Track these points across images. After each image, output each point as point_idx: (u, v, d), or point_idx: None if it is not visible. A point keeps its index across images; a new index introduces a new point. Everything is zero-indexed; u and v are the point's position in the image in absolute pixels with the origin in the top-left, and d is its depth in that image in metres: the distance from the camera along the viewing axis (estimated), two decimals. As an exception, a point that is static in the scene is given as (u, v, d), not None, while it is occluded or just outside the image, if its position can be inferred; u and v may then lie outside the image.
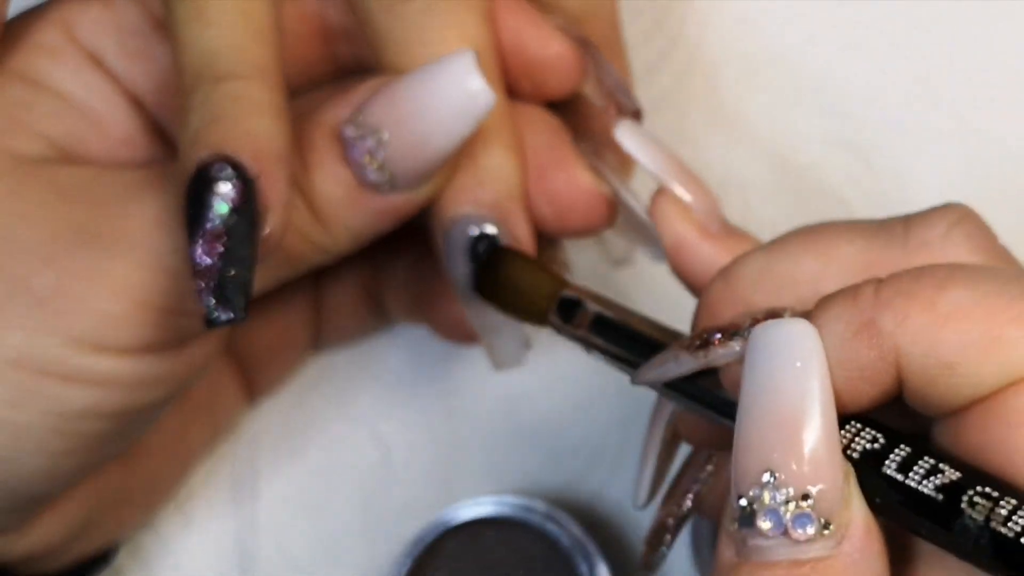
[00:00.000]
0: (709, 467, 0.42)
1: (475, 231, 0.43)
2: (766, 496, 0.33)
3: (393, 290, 0.51)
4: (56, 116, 0.44)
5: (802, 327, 0.34)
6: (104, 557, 0.50)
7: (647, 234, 0.44)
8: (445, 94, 0.41)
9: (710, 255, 0.42)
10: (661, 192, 0.43)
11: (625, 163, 0.48)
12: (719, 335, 0.36)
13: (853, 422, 0.35)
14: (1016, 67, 0.53)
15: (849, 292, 0.35)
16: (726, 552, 0.35)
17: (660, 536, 0.43)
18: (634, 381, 0.39)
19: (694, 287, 0.43)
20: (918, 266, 0.35)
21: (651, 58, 0.54)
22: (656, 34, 0.54)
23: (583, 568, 0.50)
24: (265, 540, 0.54)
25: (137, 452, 0.48)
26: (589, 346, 0.42)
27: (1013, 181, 0.53)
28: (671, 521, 0.43)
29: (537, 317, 0.43)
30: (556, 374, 0.54)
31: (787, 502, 0.33)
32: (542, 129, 0.45)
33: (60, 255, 0.41)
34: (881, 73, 0.54)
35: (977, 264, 0.36)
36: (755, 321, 0.36)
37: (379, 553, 0.53)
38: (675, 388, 0.38)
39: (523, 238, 0.43)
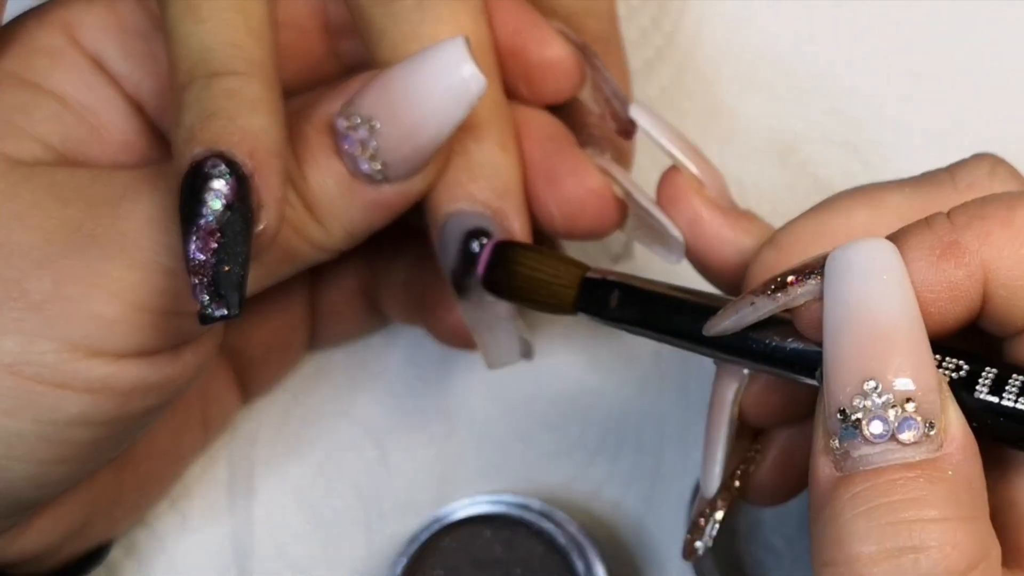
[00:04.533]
0: (751, 452, 0.42)
1: (469, 226, 0.43)
2: (870, 403, 0.35)
3: (390, 293, 0.51)
4: (55, 120, 0.44)
5: (880, 242, 0.36)
6: (97, 554, 0.49)
7: (659, 235, 0.44)
8: (438, 79, 0.41)
9: (724, 230, 0.43)
10: (673, 169, 0.43)
11: (622, 161, 0.48)
12: (793, 275, 0.37)
13: (934, 355, 0.36)
14: (1014, 67, 0.53)
15: (921, 223, 0.36)
16: (824, 471, 0.35)
17: (705, 522, 0.43)
18: (707, 332, 0.39)
19: (707, 264, 0.43)
20: (980, 196, 0.37)
21: (649, 56, 0.54)
22: (653, 32, 0.54)
23: (579, 566, 0.50)
24: (261, 538, 0.54)
25: (130, 453, 0.48)
26: (627, 325, 0.41)
27: (1011, 180, 0.53)
28: (719, 503, 0.43)
29: (564, 307, 0.42)
30: (553, 372, 0.54)
31: (892, 406, 0.34)
32: (549, 133, 0.45)
33: (55, 258, 0.40)
34: (879, 72, 0.54)
35: None
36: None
37: (376, 551, 0.53)
38: (741, 349, 0.39)
39: (519, 234, 0.43)
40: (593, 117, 0.46)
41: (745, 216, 0.43)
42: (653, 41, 0.54)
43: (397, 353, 0.54)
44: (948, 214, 0.36)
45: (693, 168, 0.44)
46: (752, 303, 0.38)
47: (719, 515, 0.43)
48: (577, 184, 0.44)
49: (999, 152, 0.53)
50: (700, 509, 0.43)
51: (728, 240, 0.43)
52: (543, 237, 0.46)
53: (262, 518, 0.54)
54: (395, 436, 0.54)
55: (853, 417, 0.35)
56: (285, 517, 0.54)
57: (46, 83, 0.44)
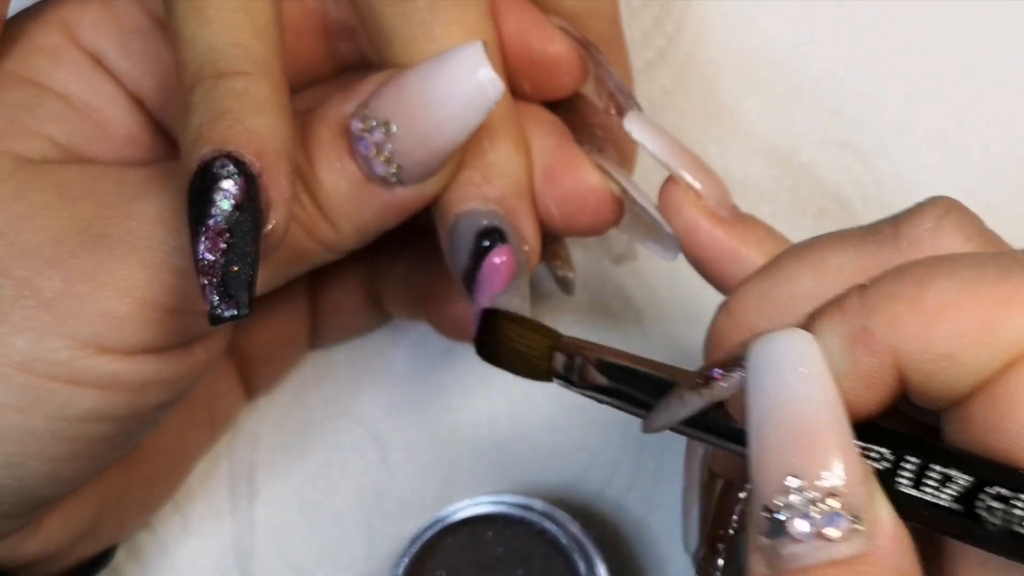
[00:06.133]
0: (742, 494, 0.42)
1: (481, 226, 0.43)
2: (793, 500, 0.34)
3: (392, 288, 0.51)
4: (60, 118, 0.44)
5: (798, 335, 0.35)
6: (102, 558, 0.49)
7: (655, 232, 0.44)
8: (456, 84, 0.41)
9: (722, 240, 0.42)
10: (671, 180, 0.43)
11: (625, 161, 0.48)
12: (719, 370, 0.36)
13: (856, 443, 0.35)
14: (1016, 67, 0.54)
15: (835, 304, 0.35)
16: (757, 569, 0.35)
17: (711, 563, 0.43)
18: (645, 430, 0.39)
19: (708, 273, 0.43)
20: (897, 265, 0.35)
21: (650, 57, 0.54)
22: (655, 33, 0.54)
23: (581, 566, 0.50)
24: (263, 539, 0.53)
25: (136, 452, 0.48)
26: (597, 395, 0.41)
27: (1013, 180, 0.53)
28: (720, 546, 0.43)
29: (540, 376, 0.42)
30: (555, 373, 0.54)
31: (815, 503, 0.34)
32: (548, 129, 0.45)
33: (65, 257, 0.40)
34: (880, 73, 0.54)
35: (960, 253, 0.37)
36: None
37: (377, 551, 0.53)
38: (691, 425, 0.38)
39: (529, 234, 0.44)
40: (598, 117, 0.46)
41: (744, 223, 0.43)
42: (655, 42, 0.54)
43: (399, 353, 0.54)
44: (862, 291, 0.35)
45: (690, 178, 0.43)
46: (681, 397, 0.37)
47: (720, 561, 0.43)
48: (575, 181, 0.44)
49: (1002, 152, 0.53)
50: (702, 555, 0.43)
51: (726, 250, 0.42)
52: (545, 233, 0.46)
53: (264, 519, 0.54)
54: (397, 436, 0.54)
55: (778, 516, 0.34)
56: (287, 518, 0.54)
57: (48, 82, 0.44)
